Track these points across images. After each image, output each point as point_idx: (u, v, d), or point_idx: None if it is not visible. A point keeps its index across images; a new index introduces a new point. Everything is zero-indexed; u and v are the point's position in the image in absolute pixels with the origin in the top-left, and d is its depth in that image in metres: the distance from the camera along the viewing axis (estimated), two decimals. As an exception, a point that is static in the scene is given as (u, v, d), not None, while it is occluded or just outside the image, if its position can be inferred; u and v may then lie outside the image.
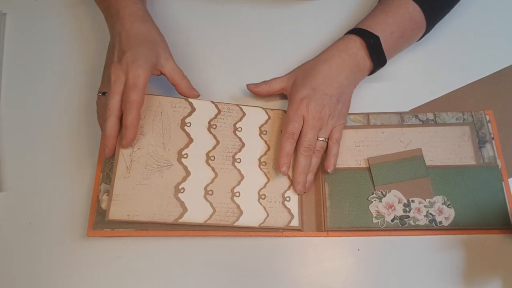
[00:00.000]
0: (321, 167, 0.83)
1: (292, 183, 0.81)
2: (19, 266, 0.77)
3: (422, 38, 0.92)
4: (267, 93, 0.88)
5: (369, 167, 0.82)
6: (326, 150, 0.83)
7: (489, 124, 0.85)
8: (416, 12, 0.86)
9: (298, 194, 0.81)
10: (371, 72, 0.88)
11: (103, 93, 0.82)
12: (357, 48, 0.84)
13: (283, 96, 0.90)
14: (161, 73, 0.83)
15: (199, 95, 0.84)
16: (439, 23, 0.92)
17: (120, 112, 0.77)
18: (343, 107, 0.84)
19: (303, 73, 0.86)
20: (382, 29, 0.84)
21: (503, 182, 0.80)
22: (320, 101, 0.81)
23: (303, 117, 0.80)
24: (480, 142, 0.83)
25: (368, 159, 0.83)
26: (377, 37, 0.83)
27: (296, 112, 0.80)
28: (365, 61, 0.85)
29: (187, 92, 0.84)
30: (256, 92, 0.87)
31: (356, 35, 0.85)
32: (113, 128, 0.76)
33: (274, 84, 0.87)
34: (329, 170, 0.81)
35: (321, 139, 0.81)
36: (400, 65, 0.92)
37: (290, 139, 0.79)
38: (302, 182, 0.80)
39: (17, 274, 0.76)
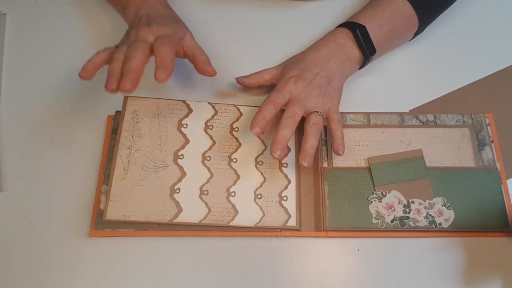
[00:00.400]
0: (321, 167, 0.82)
1: (271, 148, 0.76)
2: (19, 266, 0.77)
3: (417, 37, 0.93)
4: (257, 83, 0.88)
5: (369, 166, 0.82)
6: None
7: (488, 127, 0.85)
8: (406, 7, 0.87)
9: (276, 158, 0.77)
10: (362, 64, 0.89)
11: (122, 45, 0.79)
12: (344, 38, 0.85)
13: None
14: (183, 51, 0.82)
15: (216, 74, 0.82)
16: (437, 22, 0.93)
17: (147, 59, 0.74)
18: (334, 90, 0.83)
19: (291, 61, 0.87)
20: (370, 21, 0.86)
21: (502, 185, 0.81)
22: (309, 78, 0.81)
23: (290, 93, 0.80)
24: (479, 145, 0.84)
25: (368, 159, 0.83)
26: (363, 26, 0.84)
27: (283, 87, 0.80)
28: (354, 51, 0.86)
29: (203, 67, 0.81)
30: (246, 83, 0.88)
31: (343, 27, 0.87)
32: (140, 62, 0.72)
33: (264, 74, 0.87)
34: (339, 153, 0.80)
35: (317, 112, 0.80)
36: (400, 65, 0.93)
37: (270, 105, 0.77)
38: (283, 147, 0.76)
39: (17, 274, 0.77)
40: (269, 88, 0.89)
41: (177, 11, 0.94)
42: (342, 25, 0.88)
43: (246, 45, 0.97)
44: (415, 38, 0.94)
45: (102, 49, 0.79)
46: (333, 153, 0.82)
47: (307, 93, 0.80)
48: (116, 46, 0.80)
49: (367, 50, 0.85)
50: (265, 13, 1.01)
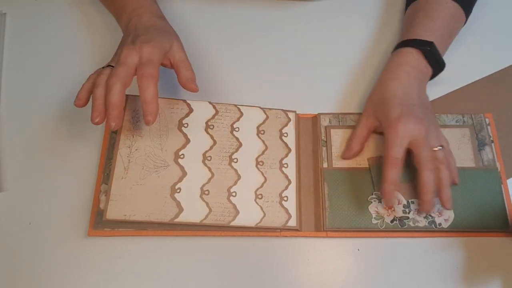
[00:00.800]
0: (321, 167, 0.83)
1: (420, 205, 0.76)
2: (19, 266, 0.77)
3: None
4: (362, 146, 0.83)
5: (369, 168, 0.82)
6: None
7: (488, 127, 0.86)
8: (456, 9, 0.87)
9: (428, 214, 0.77)
10: (430, 78, 0.86)
11: (107, 66, 0.80)
12: (416, 59, 0.82)
13: (280, 96, 0.91)
14: (170, 64, 0.81)
15: (198, 91, 0.80)
16: None
17: (128, 84, 0.74)
18: (431, 113, 0.81)
19: (378, 100, 0.82)
20: (434, 34, 0.83)
21: (502, 185, 0.81)
22: (416, 114, 0.76)
23: (408, 138, 0.75)
24: (479, 145, 0.84)
25: (368, 160, 0.83)
26: (432, 43, 0.82)
27: (396, 134, 0.75)
28: (428, 69, 0.83)
29: (185, 83, 0.79)
30: (353, 154, 0.83)
31: (410, 47, 0.84)
32: (119, 95, 0.72)
33: (360, 132, 0.83)
34: (448, 207, 0.76)
35: (436, 148, 0.75)
36: None
37: (394, 167, 0.73)
38: (430, 201, 0.74)
39: (17, 274, 0.77)
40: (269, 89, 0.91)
41: (175, 12, 0.96)
42: (405, 44, 0.85)
43: (246, 45, 0.98)
44: (453, 39, 0.93)
45: (93, 72, 0.80)
46: (333, 153, 0.84)
47: (425, 129, 0.75)
48: (104, 67, 0.80)
49: (439, 67, 0.84)
50: (265, 13, 1.01)
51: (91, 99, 0.76)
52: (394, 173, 0.73)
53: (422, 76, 0.83)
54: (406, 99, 0.78)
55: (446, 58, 0.87)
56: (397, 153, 0.73)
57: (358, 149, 0.83)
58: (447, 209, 0.77)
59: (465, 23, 0.90)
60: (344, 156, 0.83)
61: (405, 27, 0.90)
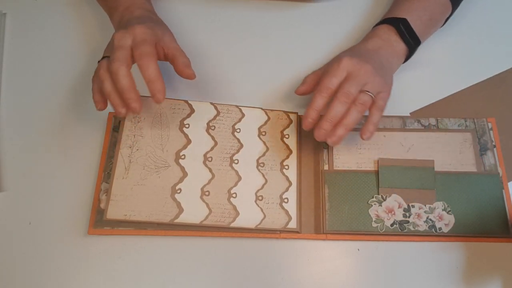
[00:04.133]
0: (321, 170, 0.85)
1: (314, 129, 0.77)
2: (19, 266, 0.79)
3: (446, 24, 0.96)
4: (310, 89, 0.85)
5: (378, 168, 0.84)
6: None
7: (491, 131, 0.87)
8: None
9: (318, 140, 0.77)
10: (407, 57, 0.90)
11: (103, 58, 0.81)
12: (388, 34, 0.87)
13: (284, 98, 0.93)
14: (163, 55, 0.82)
15: (195, 77, 0.81)
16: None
17: (130, 64, 0.76)
18: (387, 77, 0.83)
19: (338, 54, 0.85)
20: (409, 13, 0.88)
21: (503, 190, 0.83)
22: (364, 58, 0.79)
23: (346, 72, 0.77)
24: (481, 150, 0.86)
25: (378, 160, 0.85)
26: (405, 19, 0.86)
27: (337, 66, 0.77)
28: (399, 44, 0.87)
29: (182, 69, 0.80)
30: (305, 90, 0.85)
31: (384, 24, 0.89)
32: (127, 78, 0.74)
33: (307, 78, 0.86)
34: (364, 137, 0.78)
35: (368, 93, 0.77)
36: (401, 66, 0.94)
37: (323, 93, 0.76)
38: (325, 129, 0.76)
39: (17, 274, 0.79)
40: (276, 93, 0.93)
41: (177, 12, 0.98)
42: (381, 22, 0.90)
43: (248, 46, 1.00)
44: (437, 26, 0.96)
45: (93, 75, 0.82)
46: (334, 155, 0.86)
47: (365, 69, 0.77)
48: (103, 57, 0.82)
49: (412, 42, 0.87)
50: (267, 14, 1.03)
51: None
52: (321, 100, 0.76)
53: (391, 49, 0.87)
54: (365, 53, 0.83)
55: (447, 58, 0.90)
56: (331, 83, 0.76)
57: (303, 90, 0.85)
58: (316, 135, 0.76)
59: (452, 12, 0.93)
60: (297, 91, 0.86)
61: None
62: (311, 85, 0.85)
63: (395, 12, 0.89)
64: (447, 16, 0.94)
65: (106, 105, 0.80)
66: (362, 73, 0.77)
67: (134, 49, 0.75)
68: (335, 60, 0.79)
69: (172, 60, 0.81)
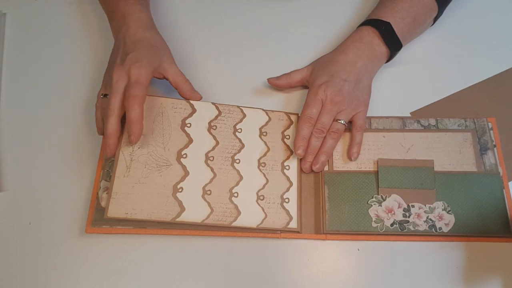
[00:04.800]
0: (321, 171, 0.86)
1: (301, 164, 0.86)
2: (19, 266, 0.79)
3: (417, 37, 0.98)
4: (288, 85, 0.94)
5: (377, 167, 0.85)
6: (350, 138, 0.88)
7: (491, 131, 0.88)
8: None
9: (304, 172, 0.86)
10: (389, 59, 0.93)
11: (104, 95, 0.85)
12: (370, 36, 0.90)
13: (283, 98, 0.94)
14: (164, 77, 0.87)
15: (201, 98, 0.88)
16: (439, 22, 0.97)
17: (122, 112, 0.81)
18: (362, 93, 0.89)
19: (321, 63, 0.92)
20: (392, 16, 0.90)
21: (504, 190, 0.83)
22: (338, 86, 0.86)
23: (321, 102, 0.86)
24: (481, 149, 0.86)
25: (377, 160, 0.85)
26: (388, 23, 0.89)
27: (314, 97, 0.86)
28: (381, 47, 0.91)
29: (189, 95, 0.88)
30: (278, 84, 0.93)
31: (367, 25, 0.92)
32: (114, 127, 0.80)
33: (294, 75, 0.93)
34: (352, 158, 0.86)
35: (340, 121, 0.86)
36: (401, 66, 0.96)
37: (307, 123, 0.84)
38: (309, 161, 0.85)
39: (17, 274, 0.79)
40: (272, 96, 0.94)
41: (177, 12, 0.98)
42: (365, 23, 0.93)
43: (249, 47, 1.00)
44: (416, 40, 0.97)
45: (97, 100, 0.87)
46: (334, 156, 0.87)
47: (337, 101, 0.86)
48: (101, 95, 0.87)
49: (394, 46, 0.91)
50: (269, 14, 1.04)
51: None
52: (307, 129, 0.85)
53: (372, 54, 0.91)
54: (341, 72, 0.88)
55: (447, 58, 0.91)
56: (311, 113, 0.85)
57: (283, 84, 0.94)
58: (303, 169, 0.86)
59: (438, 13, 0.95)
60: (269, 81, 0.94)
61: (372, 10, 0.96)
62: (286, 85, 0.94)
63: (379, 13, 0.92)
64: (434, 16, 0.95)
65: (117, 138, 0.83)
66: (335, 103, 0.86)
67: (126, 90, 0.80)
68: (313, 91, 0.87)
69: (176, 87, 0.88)
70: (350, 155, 0.86)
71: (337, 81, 0.87)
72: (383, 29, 0.89)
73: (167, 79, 0.88)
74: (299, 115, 0.90)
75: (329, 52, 0.94)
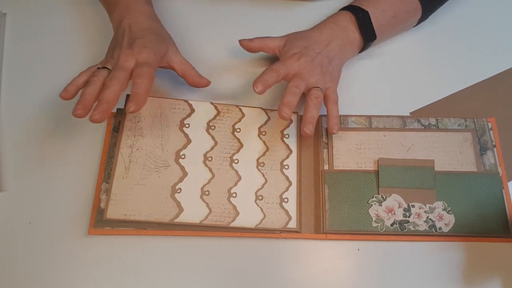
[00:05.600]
0: (321, 169, 0.85)
1: (279, 112, 0.81)
2: (19, 266, 0.79)
3: (418, 37, 0.98)
4: (260, 48, 0.92)
5: (378, 167, 0.85)
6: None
7: (491, 131, 0.88)
8: None
9: (283, 118, 0.81)
10: (362, 49, 0.94)
11: (103, 68, 0.82)
12: (347, 21, 0.91)
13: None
14: (169, 66, 0.87)
15: (210, 83, 0.89)
16: (439, 21, 0.98)
17: (125, 87, 0.79)
18: (333, 70, 0.89)
19: (295, 36, 0.92)
20: (373, 6, 0.91)
21: (503, 190, 0.83)
22: (311, 56, 0.86)
23: (293, 68, 0.85)
24: (481, 149, 0.86)
25: (378, 160, 0.85)
26: (366, 12, 0.90)
27: (286, 60, 0.85)
28: (355, 35, 0.91)
29: (198, 80, 0.88)
30: (250, 46, 0.92)
31: (346, 10, 0.92)
32: (115, 94, 0.77)
33: (268, 41, 0.92)
34: (334, 131, 0.85)
35: (317, 88, 0.85)
36: (402, 66, 0.96)
37: (273, 72, 0.82)
38: (287, 114, 0.80)
39: (17, 274, 0.79)
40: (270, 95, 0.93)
41: (178, 12, 0.98)
42: (345, 8, 0.93)
43: None
44: (416, 39, 0.97)
45: (85, 69, 0.83)
46: (334, 155, 0.86)
47: (310, 69, 0.85)
48: (99, 67, 0.83)
49: (368, 36, 0.91)
50: (269, 14, 1.04)
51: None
52: (271, 78, 0.82)
53: (346, 38, 0.91)
54: (315, 46, 0.89)
55: (448, 58, 0.91)
56: (279, 67, 0.83)
57: (255, 46, 0.92)
58: (280, 116, 0.81)
59: (422, 16, 0.96)
60: (241, 42, 0.92)
61: None
62: (258, 48, 0.92)
63: (362, 2, 0.92)
64: (417, 17, 0.96)
65: (70, 98, 0.81)
66: (308, 70, 0.85)
67: (135, 68, 0.80)
68: (285, 57, 0.87)
69: (183, 75, 0.88)
70: (331, 129, 0.85)
71: (310, 52, 0.87)
72: (359, 16, 0.90)
73: (172, 69, 0.88)
74: (298, 114, 0.91)
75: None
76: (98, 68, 0.82)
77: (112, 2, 0.92)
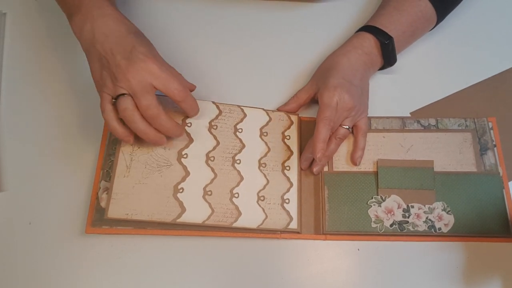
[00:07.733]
0: (321, 172, 0.86)
1: (312, 164, 0.86)
2: (19, 266, 0.80)
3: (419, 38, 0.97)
4: (298, 106, 0.92)
5: (377, 168, 0.85)
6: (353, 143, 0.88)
7: (491, 131, 0.88)
8: (427, 8, 0.91)
9: (303, 170, 0.86)
10: (380, 69, 0.94)
11: (119, 96, 0.76)
12: (371, 47, 0.89)
13: (283, 98, 0.94)
14: None
15: (195, 87, 0.84)
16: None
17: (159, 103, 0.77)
18: (365, 98, 0.90)
19: (324, 69, 0.90)
20: (396, 29, 0.89)
21: (504, 190, 0.83)
22: (351, 91, 0.83)
23: (337, 104, 0.82)
24: (481, 149, 0.86)
25: (377, 161, 0.86)
26: (392, 39, 0.88)
27: (332, 98, 0.81)
28: (378, 59, 0.90)
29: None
30: (288, 110, 0.91)
31: (370, 34, 0.90)
32: (169, 121, 0.79)
33: (301, 95, 0.91)
34: (357, 163, 0.86)
35: (345, 127, 0.85)
36: (402, 66, 0.96)
37: (328, 126, 0.80)
38: (324, 165, 0.86)
39: (17, 274, 0.79)
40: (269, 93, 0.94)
41: (179, 12, 0.98)
42: (367, 29, 0.91)
43: (250, 47, 1.00)
44: (416, 39, 0.97)
45: (104, 111, 0.77)
46: (334, 157, 0.87)
47: (349, 107, 0.83)
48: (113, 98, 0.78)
49: (389, 61, 0.91)
50: (271, 15, 1.04)
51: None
52: (326, 132, 0.80)
53: (371, 64, 0.91)
54: (348, 75, 0.86)
55: (448, 58, 0.92)
56: (331, 115, 0.81)
57: (293, 108, 0.92)
58: (301, 166, 0.87)
59: (436, 25, 0.95)
60: (279, 108, 0.92)
61: (375, 13, 0.95)
62: (297, 106, 0.92)
63: (384, 23, 0.90)
64: (431, 27, 0.96)
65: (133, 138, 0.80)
66: (347, 109, 0.83)
67: (143, 111, 0.76)
68: (329, 93, 0.83)
69: None
70: (354, 160, 0.86)
71: (347, 84, 0.84)
72: (386, 44, 0.88)
73: None
74: (299, 115, 0.91)
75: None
76: (114, 100, 0.77)
77: (75, 4, 0.83)
